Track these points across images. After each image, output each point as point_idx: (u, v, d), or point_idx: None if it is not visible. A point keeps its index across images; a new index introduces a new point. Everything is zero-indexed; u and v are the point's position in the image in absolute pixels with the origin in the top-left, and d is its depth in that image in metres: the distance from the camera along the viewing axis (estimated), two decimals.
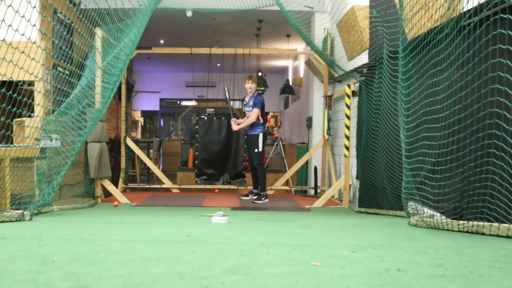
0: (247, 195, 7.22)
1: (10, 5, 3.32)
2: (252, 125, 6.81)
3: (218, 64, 13.60)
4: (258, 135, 6.79)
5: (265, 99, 7.11)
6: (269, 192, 8.15)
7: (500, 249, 2.41)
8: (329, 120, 7.95)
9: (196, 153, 8.94)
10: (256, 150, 6.78)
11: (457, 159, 3.31)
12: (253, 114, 6.79)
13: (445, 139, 3.40)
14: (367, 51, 6.24)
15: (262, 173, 6.87)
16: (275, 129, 14.82)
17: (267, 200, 6.82)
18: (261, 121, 6.86)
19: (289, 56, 13.11)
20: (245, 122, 6.90)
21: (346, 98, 6.61)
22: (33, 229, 3.31)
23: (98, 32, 5.94)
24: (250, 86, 6.89)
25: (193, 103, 16.28)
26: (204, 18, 9.16)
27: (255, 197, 7.15)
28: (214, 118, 9.12)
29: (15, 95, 3.73)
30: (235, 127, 6.99)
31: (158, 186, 8.57)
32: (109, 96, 5.90)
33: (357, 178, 6.57)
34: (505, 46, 2.73)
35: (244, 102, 7.08)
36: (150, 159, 9.54)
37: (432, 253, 2.33)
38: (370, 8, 6.01)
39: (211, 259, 2.07)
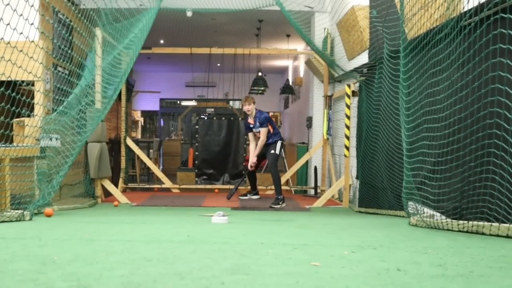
0: (245, 195, 7.21)
1: (8, 4, 3.31)
2: (270, 137, 6.79)
3: (218, 64, 13.60)
4: (277, 141, 6.80)
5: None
6: (269, 192, 8.17)
7: (500, 249, 2.41)
8: (329, 120, 7.95)
9: (196, 153, 8.94)
10: (272, 151, 6.71)
11: (457, 158, 3.31)
12: (262, 135, 6.76)
13: (445, 139, 3.40)
14: (367, 51, 6.23)
15: (276, 175, 6.61)
16: None
17: (284, 205, 6.40)
18: (272, 131, 6.84)
19: (289, 56, 13.11)
20: (258, 148, 6.80)
21: (346, 98, 6.61)
22: (33, 229, 3.31)
23: (98, 32, 5.93)
24: (248, 108, 6.77)
25: (193, 103, 16.28)
26: (204, 18, 9.16)
27: (254, 197, 7.13)
28: (214, 118, 9.12)
29: (14, 94, 3.73)
30: (254, 159, 6.83)
31: (158, 186, 8.56)
32: (112, 97, 5.90)
33: (357, 178, 6.57)
34: (505, 46, 2.73)
35: (250, 125, 6.86)
36: (150, 159, 9.54)
37: (432, 253, 2.33)
38: (370, 8, 6.01)
39: (211, 259, 2.07)
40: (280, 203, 6.35)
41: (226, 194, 7.41)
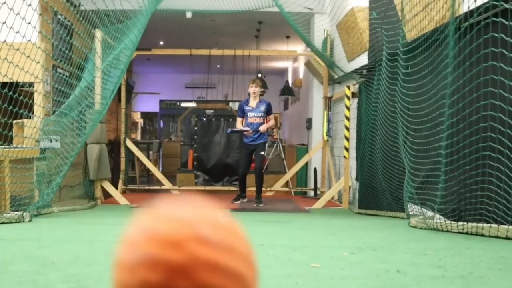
0: (237, 199, 7.01)
1: (5, 2, 3.32)
2: (261, 133, 6.68)
3: (218, 66, 13.59)
4: (266, 141, 6.88)
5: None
6: (269, 194, 8.18)
7: (499, 251, 2.41)
8: (328, 121, 7.95)
9: (195, 154, 8.94)
10: (262, 153, 6.70)
11: (452, 162, 3.31)
12: (272, 120, 6.89)
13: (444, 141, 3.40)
14: (366, 53, 6.24)
15: (262, 176, 6.84)
16: (274, 130, 14.84)
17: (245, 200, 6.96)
18: None
19: (288, 57, 13.11)
20: (268, 125, 6.80)
21: (346, 100, 6.61)
22: (32, 231, 3.31)
23: (97, 33, 5.94)
24: (255, 90, 6.64)
25: (192, 104, 16.28)
26: (203, 20, 9.16)
27: (245, 200, 6.98)
28: (213, 119, 9.12)
29: (15, 95, 3.74)
30: (263, 128, 6.66)
31: (158, 187, 8.56)
32: (110, 97, 5.90)
33: (356, 179, 6.57)
34: (498, 50, 2.74)
35: (248, 108, 6.69)
36: (150, 160, 9.53)
37: (432, 254, 2.33)
38: (370, 9, 6.02)
39: None
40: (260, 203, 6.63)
41: (226, 196, 7.40)
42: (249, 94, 6.80)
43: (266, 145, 6.90)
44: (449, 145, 3.30)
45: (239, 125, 6.79)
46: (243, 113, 6.74)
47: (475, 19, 2.95)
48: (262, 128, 6.62)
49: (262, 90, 12.36)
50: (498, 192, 2.84)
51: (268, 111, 6.74)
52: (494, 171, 2.88)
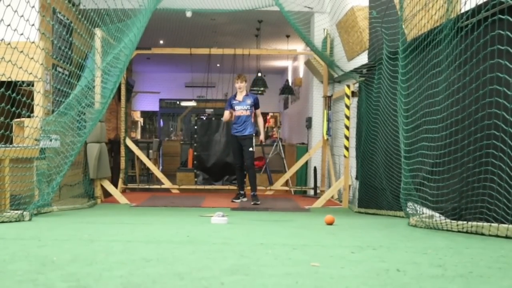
0: (237, 198, 7.05)
1: (9, 5, 3.31)
2: (248, 125, 6.81)
3: (218, 65, 13.59)
4: (252, 134, 6.90)
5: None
6: (269, 193, 8.17)
7: (499, 250, 2.41)
8: (328, 120, 7.95)
9: (195, 153, 8.94)
10: (250, 149, 6.77)
11: (455, 160, 3.31)
12: (261, 116, 7.12)
13: (444, 140, 3.40)
14: (366, 52, 6.24)
15: (255, 173, 6.94)
16: (274, 129, 14.83)
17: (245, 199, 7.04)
18: (253, 119, 6.99)
19: (288, 56, 13.11)
20: (262, 129, 7.16)
21: (346, 99, 6.61)
22: (32, 230, 3.31)
23: (98, 32, 5.93)
24: (240, 85, 6.89)
25: (192, 103, 16.28)
26: (203, 19, 9.16)
27: (245, 199, 7.01)
28: (213, 118, 9.12)
29: (14, 95, 3.73)
30: (262, 138, 7.17)
31: (158, 186, 8.56)
32: (109, 96, 5.89)
33: (356, 178, 6.57)
34: (503, 47, 2.73)
35: (235, 101, 6.91)
36: (150, 159, 9.53)
37: (432, 253, 2.34)
38: (370, 8, 6.01)
39: (210, 260, 2.07)
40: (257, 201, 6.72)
41: (225, 195, 7.38)
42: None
43: (253, 140, 6.86)
44: (453, 142, 3.30)
45: (226, 115, 7.04)
46: (230, 106, 7.02)
47: (483, 15, 2.95)
48: (261, 138, 7.14)
49: (262, 89, 12.46)
50: (499, 191, 2.84)
51: (256, 105, 6.97)
52: (496, 169, 2.88)
